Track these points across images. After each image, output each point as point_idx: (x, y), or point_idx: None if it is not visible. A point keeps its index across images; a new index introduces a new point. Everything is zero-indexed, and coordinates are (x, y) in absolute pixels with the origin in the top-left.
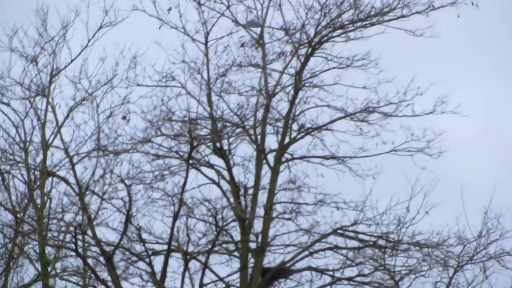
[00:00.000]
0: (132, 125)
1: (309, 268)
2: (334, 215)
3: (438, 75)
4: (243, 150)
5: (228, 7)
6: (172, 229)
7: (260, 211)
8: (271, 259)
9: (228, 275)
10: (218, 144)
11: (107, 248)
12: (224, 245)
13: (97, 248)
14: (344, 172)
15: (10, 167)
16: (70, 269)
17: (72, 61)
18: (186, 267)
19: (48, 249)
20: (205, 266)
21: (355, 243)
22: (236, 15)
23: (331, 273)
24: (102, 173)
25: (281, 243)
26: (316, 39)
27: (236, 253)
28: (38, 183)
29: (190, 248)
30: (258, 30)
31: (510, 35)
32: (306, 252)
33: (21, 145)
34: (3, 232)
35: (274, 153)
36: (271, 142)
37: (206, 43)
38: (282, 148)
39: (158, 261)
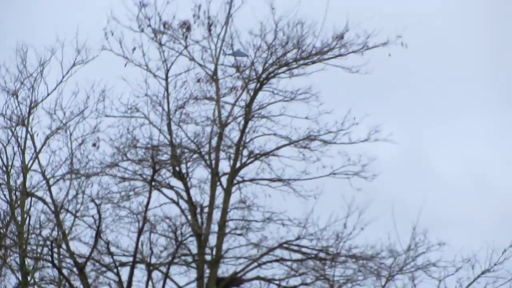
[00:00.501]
0: (101, 151)
1: (258, 278)
2: (280, 231)
3: (372, 107)
4: (199, 173)
5: (186, 47)
6: (137, 243)
7: (215, 227)
8: (225, 270)
9: (187, 284)
10: (177, 168)
11: (80, 260)
12: (183, 258)
13: (71, 260)
14: (288, 193)
15: None
16: (47, 279)
17: (48, 94)
18: (149, 277)
19: (27, 261)
20: (166, 276)
21: (298, 256)
22: (193, 54)
23: (277, 282)
24: (75, 194)
25: (233, 255)
26: (263, 75)
27: (193, 265)
28: (18, 202)
29: (153, 260)
30: (212, 67)
31: (431, 71)
32: (256, 264)
33: (4, 169)
34: None
35: (226, 176)
36: (224, 166)
37: (166, 79)
38: (234, 171)
39: (124, 272)
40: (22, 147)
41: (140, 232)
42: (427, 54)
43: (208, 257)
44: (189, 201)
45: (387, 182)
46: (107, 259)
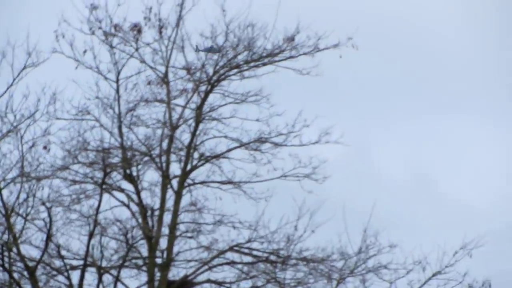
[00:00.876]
0: (52, 154)
1: (209, 281)
2: (231, 233)
3: (322, 109)
4: (150, 176)
5: (137, 49)
6: (87, 246)
7: (165, 230)
8: (175, 273)
9: (137, 287)
10: (128, 171)
11: (30, 264)
12: (133, 261)
13: (21, 263)
14: (239, 195)
15: None
16: None
17: None
18: (100, 280)
19: None
20: (117, 279)
21: (249, 259)
22: (144, 56)
23: (228, 285)
24: (26, 197)
25: (184, 258)
26: (214, 78)
27: (144, 268)
28: None
29: (104, 263)
30: (163, 69)
31: (381, 72)
32: (206, 267)
33: None
34: None
35: (177, 179)
36: (175, 169)
37: (117, 81)
38: (185, 174)
39: (75, 275)
40: None
41: (91, 235)
42: (377, 56)
43: (159, 260)
44: (140, 204)
45: (338, 184)
46: (57, 263)
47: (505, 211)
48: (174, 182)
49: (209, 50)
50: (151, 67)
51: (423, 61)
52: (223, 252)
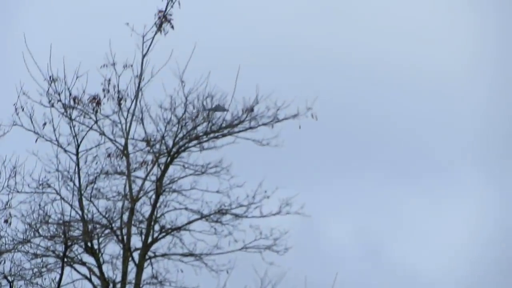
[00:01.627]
0: (13, 227)
1: None
2: None
3: (283, 179)
4: (112, 249)
5: (96, 121)
6: None
7: None
8: None
9: None
10: (89, 244)
11: None
12: None
13: None
14: (201, 268)
15: None
16: None
17: None
18: None
19: None
20: None
21: None
22: (103, 128)
23: None
24: None
25: None
26: (174, 149)
27: None
28: None
29: None
30: (123, 141)
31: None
32: None
33: None
34: None
35: (138, 251)
36: (136, 241)
37: (77, 154)
38: (146, 246)
39: None
40: None
41: None
42: (336, 124)
43: None
44: (102, 277)
45: (299, 256)
46: None
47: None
48: (136, 255)
49: (216, 109)
50: (110, 140)
51: (381, 129)
52: None
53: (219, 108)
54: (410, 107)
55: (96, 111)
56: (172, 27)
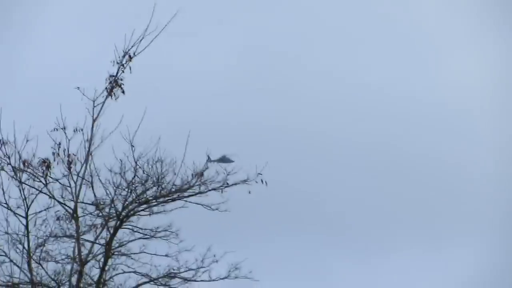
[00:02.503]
0: None
1: None
2: None
3: (232, 244)
4: None
5: (46, 185)
6: None
7: None
8: None
9: None
10: None
11: None
12: None
13: None
14: None
15: None
16: None
17: None
18: None
19: None
20: None
21: None
22: (53, 192)
23: None
24: None
25: None
26: (123, 213)
27: None
28: None
29: None
30: (72, 204)
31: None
32: None
33: None
34: None
35: None
36: None
37: (26, 217)
38: None
39: None
40: None
41: None
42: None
43: None
44: None
45: None
46: None
47: None
48: None
49: (221, 160)
50: (60, 203)
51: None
52: None
53: (225, 159)
54: (350, 178)
55: (46, 175)
56: (123, 91)
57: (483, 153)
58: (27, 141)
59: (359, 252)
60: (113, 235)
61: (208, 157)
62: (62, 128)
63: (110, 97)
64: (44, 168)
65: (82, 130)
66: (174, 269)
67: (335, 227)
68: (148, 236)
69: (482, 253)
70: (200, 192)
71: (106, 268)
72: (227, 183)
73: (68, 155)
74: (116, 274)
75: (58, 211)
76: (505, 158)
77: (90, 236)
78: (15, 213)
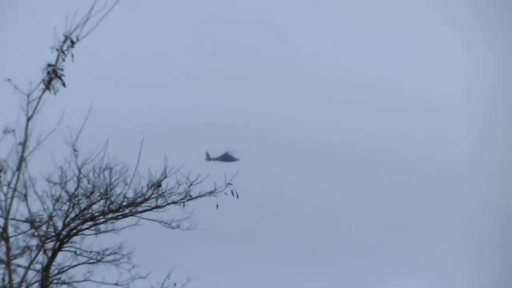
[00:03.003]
0: None
1: None
2: None
3: (195, 269)
4: None
5: None
6: None
7: None
8: None
9: None
10: None
11: None
12: None
13: None
14: None
15: None
16: None
17: None
18: None
19: None
20: None
21: None
22: None
23: None
24: None
25: None
26: (64, 232)
27: None
28: None
29: None
30: (2, 222)
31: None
32: None
33: None
34: None
35: None
36: None
37: None
38: None
39: None
40: None
41: None
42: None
43: None
44: None
45: None
46: None
47: None
48: None
49: (223, 158)
50: None
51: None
52: None
53: (228, 157)
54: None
55: None
56: (64, 84)
57: None
58: None
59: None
60: (51, 259)
61: (207, 155)
62: None
63: (48, 90)
64: None
65: (14, 131)
66: None
67: (313, 250)
68: (94, 260)
69: None
70: (157, 207)
71: None
72: (190, 196)
73: None
74: None
75: None
76: None
77: (23, 261)
78: None
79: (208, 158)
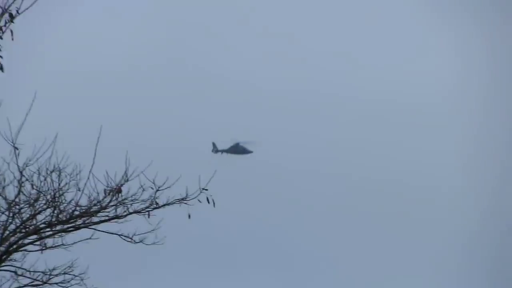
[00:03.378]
0: None
1: None
2: None
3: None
4: None
5: None
6: None
7: None
8: None
9: None
10: None
11: None
12: None
13: None
14: None
15: None
16: None
17: None
18: None
19: None
20: None
21: None
22: None
23: None
24: None
25: None
26: (2, 248)
27: None
28: None
29: None
30: None
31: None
32: None
33: None
34: None
35: None
36: None
37: None
38: None
39: None
40: None
41: None
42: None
43: None
44: None
45: None
46: None
47: None
48: None
49: (234, 150)
50: None
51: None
52: None
53: (239, 149)
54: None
55: None
56: (1, 68)
57: None
58: None
59: None
60: None
61: (214, 146)
62: None
63: None
64: None
65: None
66: None
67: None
68: (40, 282)
69: None
70: (116, 217)
71: None
72: (157, 203)
73: None
74: None
75: None
76: None
77: None
78: None
79: (216, 150)
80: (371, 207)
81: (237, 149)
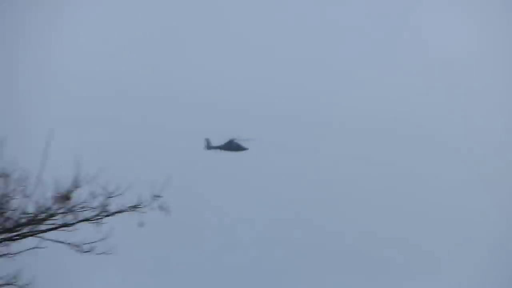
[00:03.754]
0: None
1: None
2: None
3: None
4: None
5: None
6: None
7: None
8: None
9: None
10: None
11: None
12: None
13: None
14: None
15: None
16: None
17: None
18: None
19: None
20: None
21: None
22: None
23: None
24: None
25: None
26: None
27: None
28: None
29: None
30: None
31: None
32: None
33: None
34: None
35: None
36: None
37: None
38: None
39: None
40: None
41: None
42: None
43: None
44: None
45: None
46: None
47: None
48: None
49: (228, 147)
50: None
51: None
52: None
53: (233, 146)
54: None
55: None
56: None
57: None
58: None
59: None
60: None
61: (207, 142)
62: None
63: None
64: None
65: None
66: None
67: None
68: None
69: None
70: (65, 225)
71: None
72: (107, 211)
73: None
74: None
75: None
76: None
77: None
78: None
79: (209, 146)
80: (364, 201)
81: (232, 146)
